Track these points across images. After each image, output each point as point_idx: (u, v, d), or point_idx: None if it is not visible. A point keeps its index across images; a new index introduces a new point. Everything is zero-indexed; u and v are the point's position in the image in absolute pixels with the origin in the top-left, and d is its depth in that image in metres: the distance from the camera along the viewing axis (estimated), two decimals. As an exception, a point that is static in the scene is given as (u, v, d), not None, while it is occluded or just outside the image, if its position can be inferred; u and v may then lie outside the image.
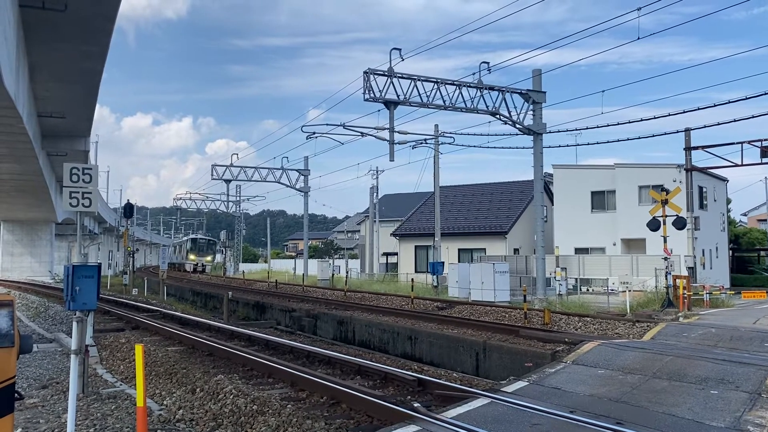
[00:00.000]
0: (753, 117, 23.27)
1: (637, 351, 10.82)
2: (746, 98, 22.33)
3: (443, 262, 34.00)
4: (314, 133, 30.41)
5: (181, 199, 67.78)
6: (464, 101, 24.65)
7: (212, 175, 49.36)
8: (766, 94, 19.88)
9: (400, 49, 23.37)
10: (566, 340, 12.84)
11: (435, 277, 32.06)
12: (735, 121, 28.95)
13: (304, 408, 7.93)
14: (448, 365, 14.12)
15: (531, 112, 25.81)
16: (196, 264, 65.75)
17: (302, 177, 48.89)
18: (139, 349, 5.78)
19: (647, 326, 14.38)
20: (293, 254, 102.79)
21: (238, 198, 65.23)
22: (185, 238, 73.59)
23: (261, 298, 28.31)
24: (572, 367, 9.83)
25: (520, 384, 8.72)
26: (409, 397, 8.63)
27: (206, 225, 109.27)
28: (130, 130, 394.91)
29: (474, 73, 25.18)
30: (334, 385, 8.74)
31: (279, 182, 48.59)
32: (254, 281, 42.25)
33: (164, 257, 39.42)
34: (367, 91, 22.96)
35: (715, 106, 23.08)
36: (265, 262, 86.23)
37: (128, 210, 36.23)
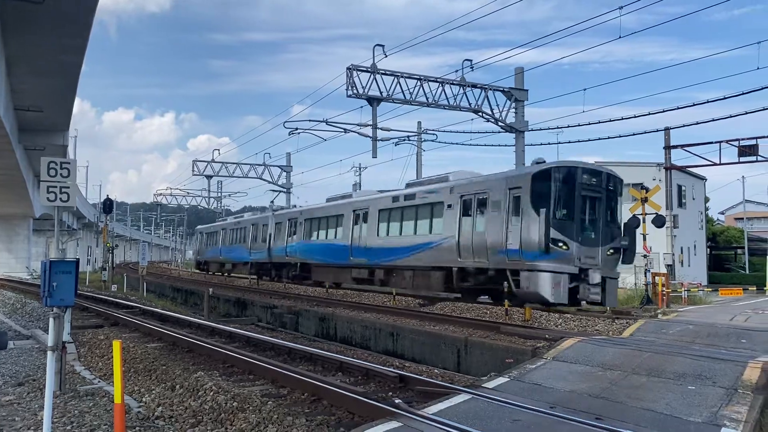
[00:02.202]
0: (731, 116, 23.65)
1: (617, 347, 10.91)
2: (724, 98, 22.73)
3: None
4: (297, 129, 30.36)
5: (161, 194, 67.31)
6: (447, 98, 24.71)
7: (193, 170, 49.08)
8: (743, 94, 20.21)
9: (383, 46, 23.41)
10: (546, 336, 12.91)
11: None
12: (713, 120, 29.33)
13: (285, 405, 7.89)
14: (429, 362, 14.14)
15: (513, 110, 25.91)
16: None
17: (285, 173, 48.71)
18: (116, 345, 5.71)
19: (626, 323, 14.52)
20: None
21: (219, 194, 64.82)
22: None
23: (242, 295, 28.14)
24: (552, 363, 9.89)
25: (501, 380, 8.75)
26: (390, 393, 8.62)
27: (187, 221, 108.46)
28: (111, 125, 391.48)
29: (457, 71, 25.26)
30: (315, 381, 8.71)
31: (261, 178, 48.42)
32: (235, 277, 41.99)
33: (144, 254, 39.03)
34: (350, 88, 22.93)
35: (694, 105, 23.45)
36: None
37: (107, 205, 35.84)
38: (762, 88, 19.39)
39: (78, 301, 18.56)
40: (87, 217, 67.48)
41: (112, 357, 6.21)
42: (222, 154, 63.90)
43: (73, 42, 17.20)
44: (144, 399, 8.24)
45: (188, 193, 66.64)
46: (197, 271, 54.70)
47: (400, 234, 23.17)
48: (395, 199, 24.05)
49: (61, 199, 11.16)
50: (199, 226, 56.29)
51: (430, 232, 21.34)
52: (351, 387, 8.57)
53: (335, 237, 27.83)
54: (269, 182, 48.35)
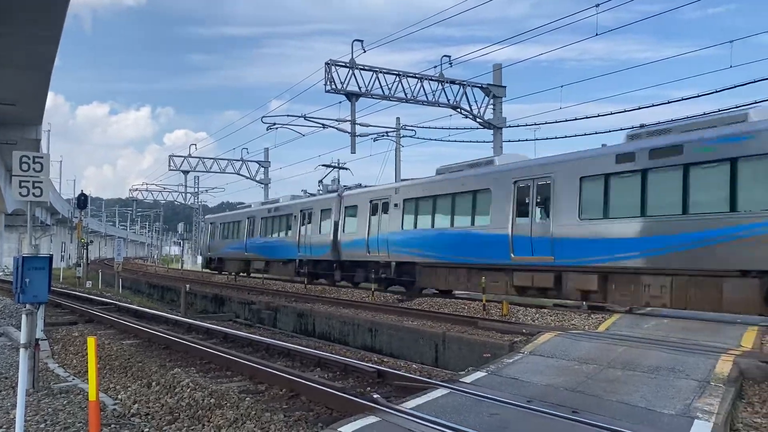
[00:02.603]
0: (704, 114, 23.86)
1: (593, 341, 11.04)
2: (698, 96, 23.02)
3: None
4: (275, 124, 30.17)
5: (137, 190, 66.53)
6: (426, 95, 24.76)
7: (170, 165, 48.70)
8: (716, 92, 20.48)
9: (362, 41, 23.36)
10: (524, 331, 13.02)
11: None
12: (688, 117, 29.61)
13: (263, 401, 7.86)
14: (408, 357, 14.18)
15: (491, 106, 26.05)
16: None
17: (262, 169, 48.45)
18: (91, 341, 5.63)
19: (602, 317, 14.68)
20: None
21: (196, 189, 64.27)
22: None
23: (219, 291, 27.96)
24: (529, 358, 9.97)
25: (479, 374, 8.80)
26: (369, 388, 8.64)
27: (163, 217, 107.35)
28: (86, 119, 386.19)
29: (436, 67, 25.30)
30: (293, 377, 8.69)
31: (239, 174, 48.16)
32: (212, 274, 41.64)
33: (119, 250, 38.62)
34: (328, 83, 22.85)
35: (669, 102, 23.64)
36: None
37: (82, 201, 35.32)
38: (734, 87, 19.67)
39: (51, 298, 18.28)
40: (61, 212, 66.47)
41: (87, 354, 6.14)
42: (199, 149, 63.15)
43: (46, 33, 16.87)
44: (120, 396, 8.15)
45: (164, 188, 65.98)
46: (208, 270, 42.68)
47: (642, 214, 14.00)
48: (624, 157, 14.40)
49: (33, 194, 10.99)
50: (209, 216, 46.15)
51: (732, 209, 12.36)
52: (329, 382, 8.58)
53: (472, 224, 18.87)
54: (247, 177, 48.08)
